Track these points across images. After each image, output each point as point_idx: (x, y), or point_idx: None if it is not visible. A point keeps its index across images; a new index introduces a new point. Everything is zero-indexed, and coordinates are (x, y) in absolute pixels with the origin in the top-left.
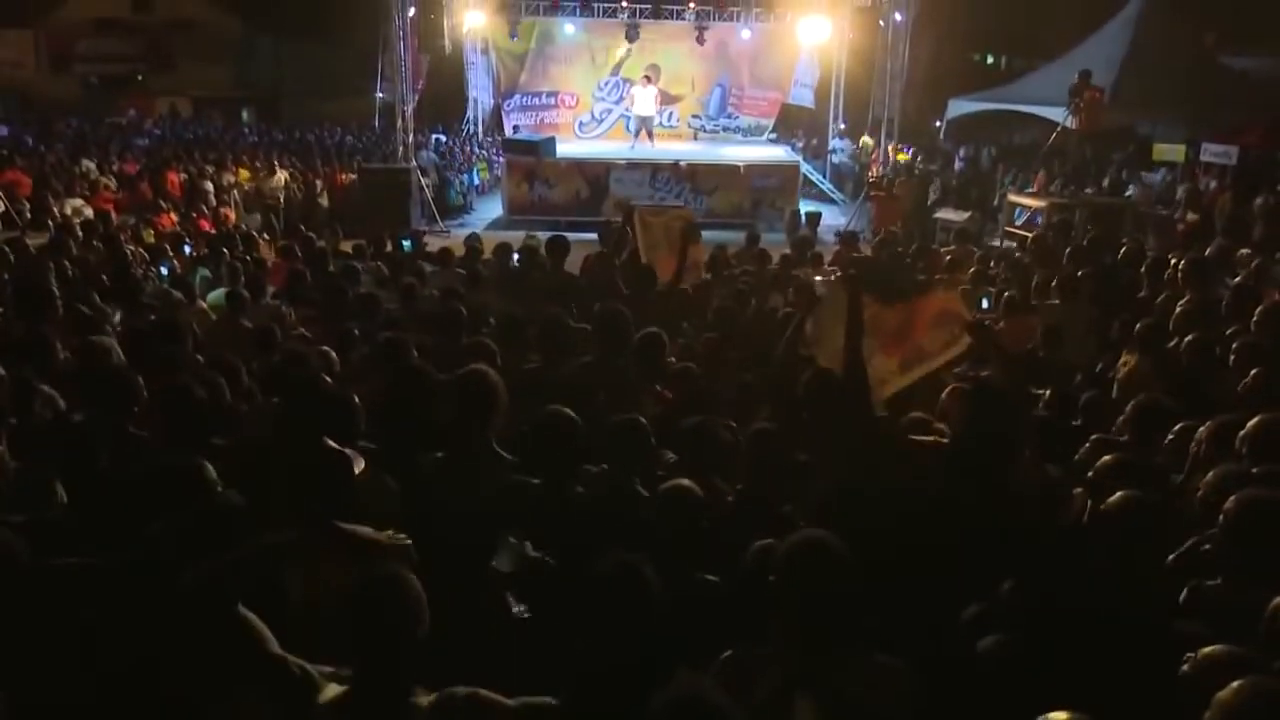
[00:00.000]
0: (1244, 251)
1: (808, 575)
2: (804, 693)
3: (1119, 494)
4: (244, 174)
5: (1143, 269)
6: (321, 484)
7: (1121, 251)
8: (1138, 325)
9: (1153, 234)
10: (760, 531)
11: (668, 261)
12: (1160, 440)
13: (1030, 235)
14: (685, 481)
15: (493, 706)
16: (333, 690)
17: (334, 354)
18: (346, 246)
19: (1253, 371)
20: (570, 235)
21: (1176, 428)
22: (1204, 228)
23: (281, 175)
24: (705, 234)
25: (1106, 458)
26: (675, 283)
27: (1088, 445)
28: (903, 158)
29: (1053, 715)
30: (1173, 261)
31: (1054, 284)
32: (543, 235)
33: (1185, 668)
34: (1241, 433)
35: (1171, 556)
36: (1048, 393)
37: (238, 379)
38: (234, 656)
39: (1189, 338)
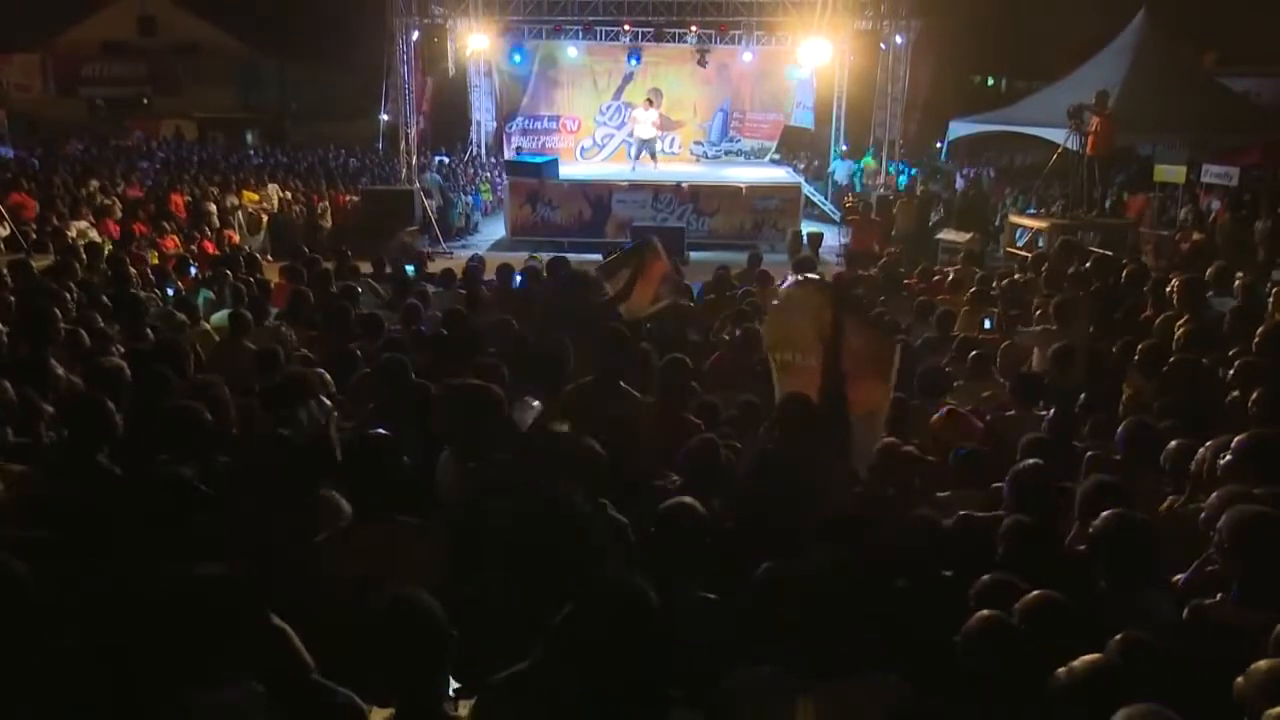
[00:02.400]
0: (1240, 273)
1: (836, 595)
2: (808, 714)
3: (1101, 515)
4: (248, 196)
5: (1145, 290)
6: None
7: (1124, 273)
8: (1139, 346)
9: (1153, 254)
10: (761, 551)
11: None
12: (1154, 458)
13: (1030, 256)
14: (687, 499)
15: None
16: (380, 715)
17: (329, 375)
18: None
19: (1255, 393)
20: (573, 256)
21: (1173, 444)
22: (1209, 247)
23: (272, 189)
24: (707, 255)
25: (1085, 483)
26: (623, 298)
27: (1085, 464)
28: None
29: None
30: (1171, 281)
31: (1053, 305)
32: (545, 256)
33: (1240, 680)
34: (1229, 451)
35: (1179, 577)
36: (1050, 413)
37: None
38: (271, 682)
39: (1183, 358)
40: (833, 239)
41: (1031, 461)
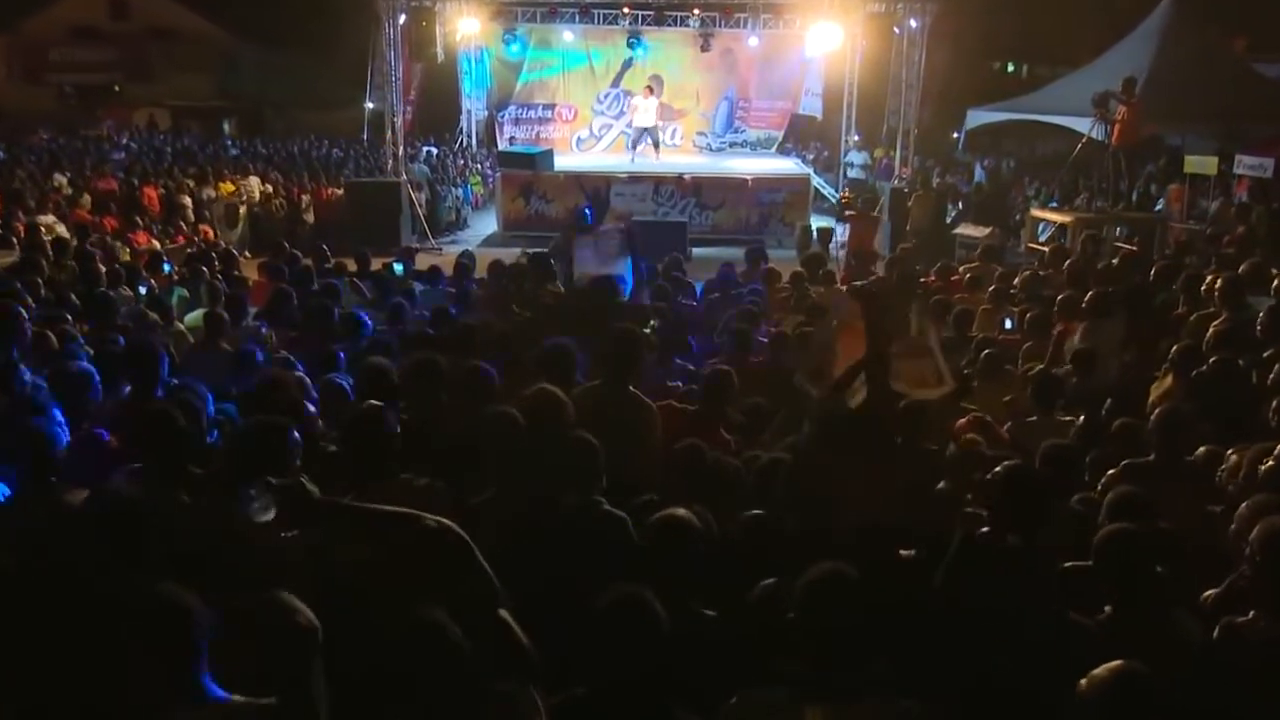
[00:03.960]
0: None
1: (827, 610)
2: None
3: (1105, 529)
4: (225, 188)
5: (1174, 286)
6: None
7: (1154, 269)
8: (1173, 347)
9: (1184, 250)
10: (766, 565)
11: None
12: (1187, 453)
13: (1049, 249)
14: (680, 511)
15: None
16: None
17: (308, 379)
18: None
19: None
20: None
21: (1201, 450)
22: (1248, 243)
23: (252, 181)
24: (710, 251)
25: (1110, 494)
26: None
27: (1110, 474)
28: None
29: None
30: (1209, 279)
31: (1085, 303)
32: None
33: None
34: (1273, 458)
35: (1210, 593)
36: (1079, 420)
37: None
38: None
39: (1219, 359)
40: (843, 234)
41: (1007, 464)
